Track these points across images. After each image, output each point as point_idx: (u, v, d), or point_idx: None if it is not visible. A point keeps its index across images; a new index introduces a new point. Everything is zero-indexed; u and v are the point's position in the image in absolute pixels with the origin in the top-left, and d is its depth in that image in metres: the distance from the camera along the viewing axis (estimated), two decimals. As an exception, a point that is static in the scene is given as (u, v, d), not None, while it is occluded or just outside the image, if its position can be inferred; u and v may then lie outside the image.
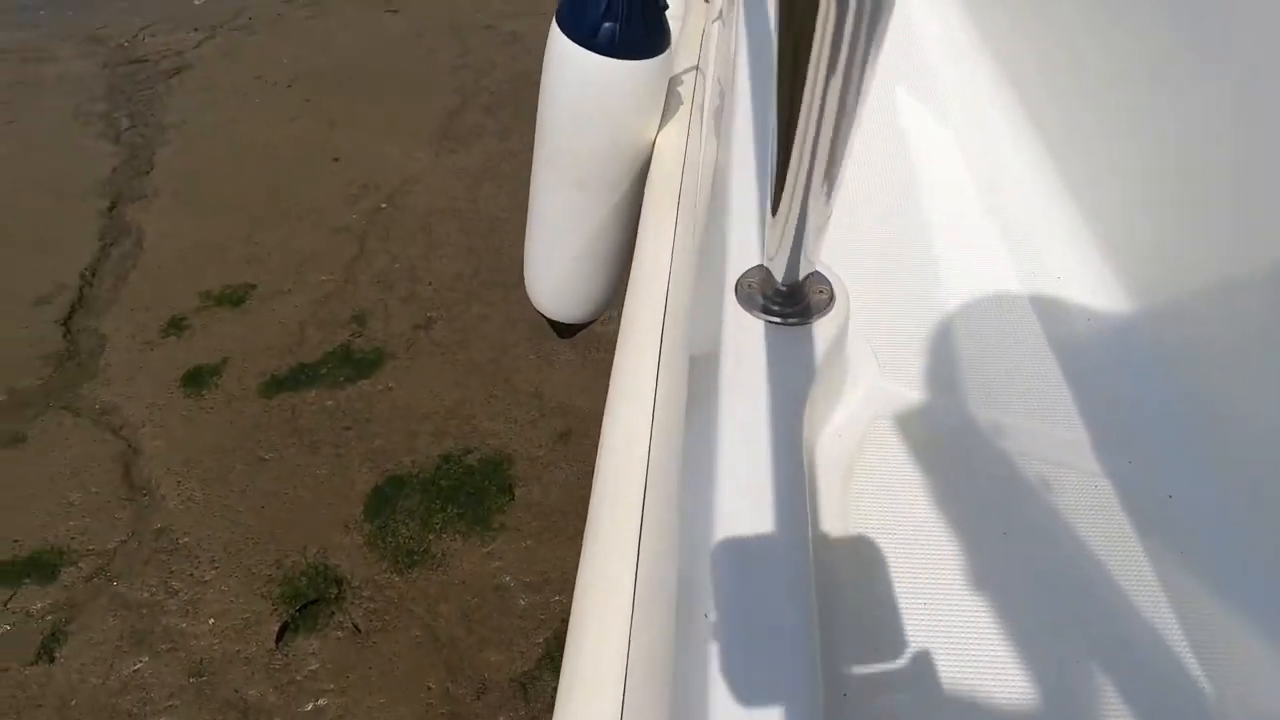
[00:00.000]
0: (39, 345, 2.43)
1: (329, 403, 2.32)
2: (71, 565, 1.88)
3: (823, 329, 0.49)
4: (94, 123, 3.43)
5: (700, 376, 0.53)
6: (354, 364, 2.44)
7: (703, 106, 0.95)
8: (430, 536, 1.95)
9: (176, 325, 2.54)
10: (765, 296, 0.51)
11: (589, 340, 2.44)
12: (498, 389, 2.38)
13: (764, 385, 0.46)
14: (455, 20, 4.25)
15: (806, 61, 0.31)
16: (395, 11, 4.34)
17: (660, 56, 0.94)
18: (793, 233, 0.42)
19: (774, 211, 0.41)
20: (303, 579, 1.86)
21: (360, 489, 2.07)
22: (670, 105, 1.02)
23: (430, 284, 2.72)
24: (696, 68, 1.11)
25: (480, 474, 2.12)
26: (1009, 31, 0.87)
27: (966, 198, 0.74)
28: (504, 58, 3.93)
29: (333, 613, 1.80)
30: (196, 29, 4.15)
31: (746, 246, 0.54)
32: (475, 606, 1.82)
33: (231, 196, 3.06)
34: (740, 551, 0.39)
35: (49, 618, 1.79)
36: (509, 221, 2.99)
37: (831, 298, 0.51)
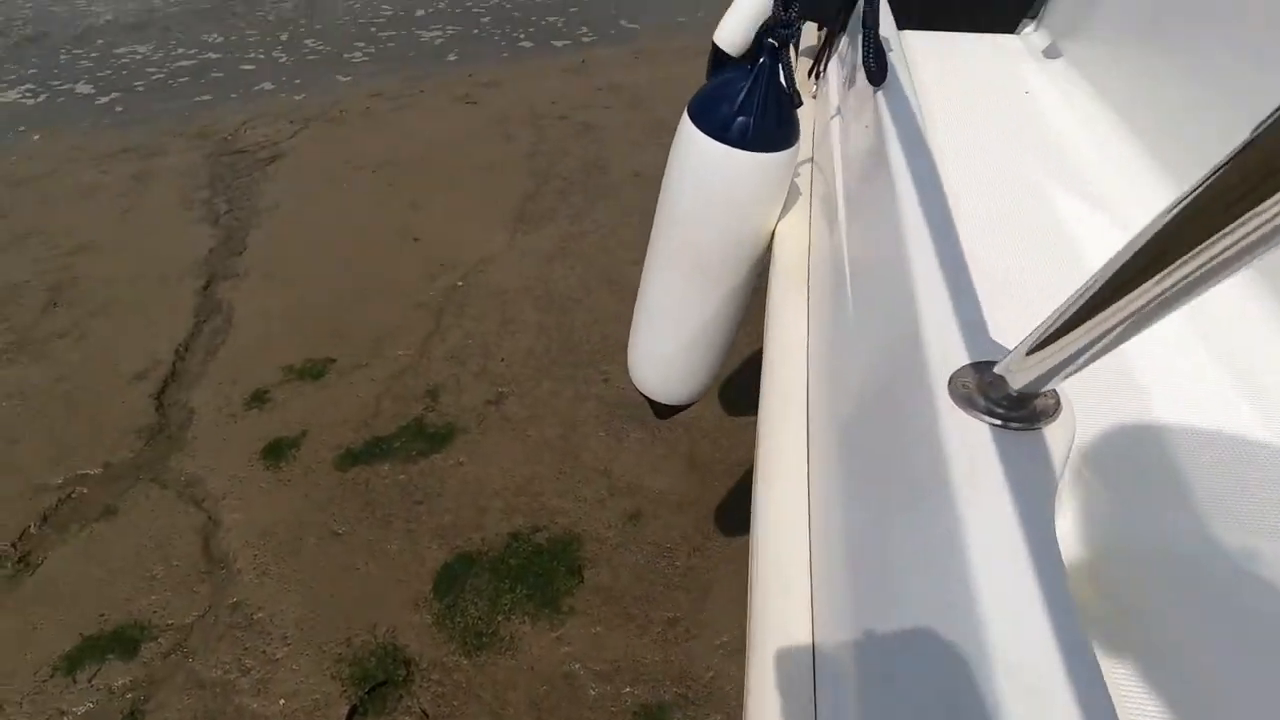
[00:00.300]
0: (134, 419, 2.54)
1: (401, 476, 2.34)
2: (151, 640, 1.91)
3: (1054, 436, 0.46)
4: (196, 208, 3.66)
5: (906, 473, 0.50)
6: (426, 438, 2.47)
7: (828, 197, 0.95)
8: (499, 618, 1.92)
9: (260, 398, 2.62)
10: (989, 399, 0.48)
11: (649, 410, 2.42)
12: (567, 465, 2.37)
13: (1006, 492, 0.43)
14: (531, 111, 4.45)
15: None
16: (474, 103, 4.57)
17: (789, 150, 0.96)
18: (1067, 351, 0.39)
19: (1060, 334, 0.39)
20: (372, 659, 1.84)
21: (430, 566, 2.06)
22: (789, 195, 1.04)
23: (502, 360, 2.76)
24: (812, 159, 1.12)
25: (549, 554, 2.08)
26: (1163, 128, 0.86)
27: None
28: (576, 146, 4.07)
29: (401, 696, 1.77)
30: (292, 121, 4.44)
31: (952, 344, 0.52)
32: (544, 695, 1.76)
33: (317, 274, 3.20)
34: (1017, 666, 0.36)
35: (129, 695, 1.80)
36: (580, 301, 3.04)
37: (1058, 403, 0.48)
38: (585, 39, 5.50)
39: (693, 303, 1.08)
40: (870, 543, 0.51)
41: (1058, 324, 0.39)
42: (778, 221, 1.03)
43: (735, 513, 2.24)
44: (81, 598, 2.00)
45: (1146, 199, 0.81)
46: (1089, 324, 0.36)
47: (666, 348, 1.16)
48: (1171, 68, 0.87)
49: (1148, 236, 0.32)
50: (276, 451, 2.43)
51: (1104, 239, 0.76)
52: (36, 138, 4.38)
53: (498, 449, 2.43)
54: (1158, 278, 0.32)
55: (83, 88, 4.95)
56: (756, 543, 0.60)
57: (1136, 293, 0.33)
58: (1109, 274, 0.34)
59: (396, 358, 2.78)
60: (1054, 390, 0.49)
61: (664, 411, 1.29)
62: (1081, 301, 0.36)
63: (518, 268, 3.21)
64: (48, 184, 3.91)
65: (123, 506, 2.25)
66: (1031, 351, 0.42)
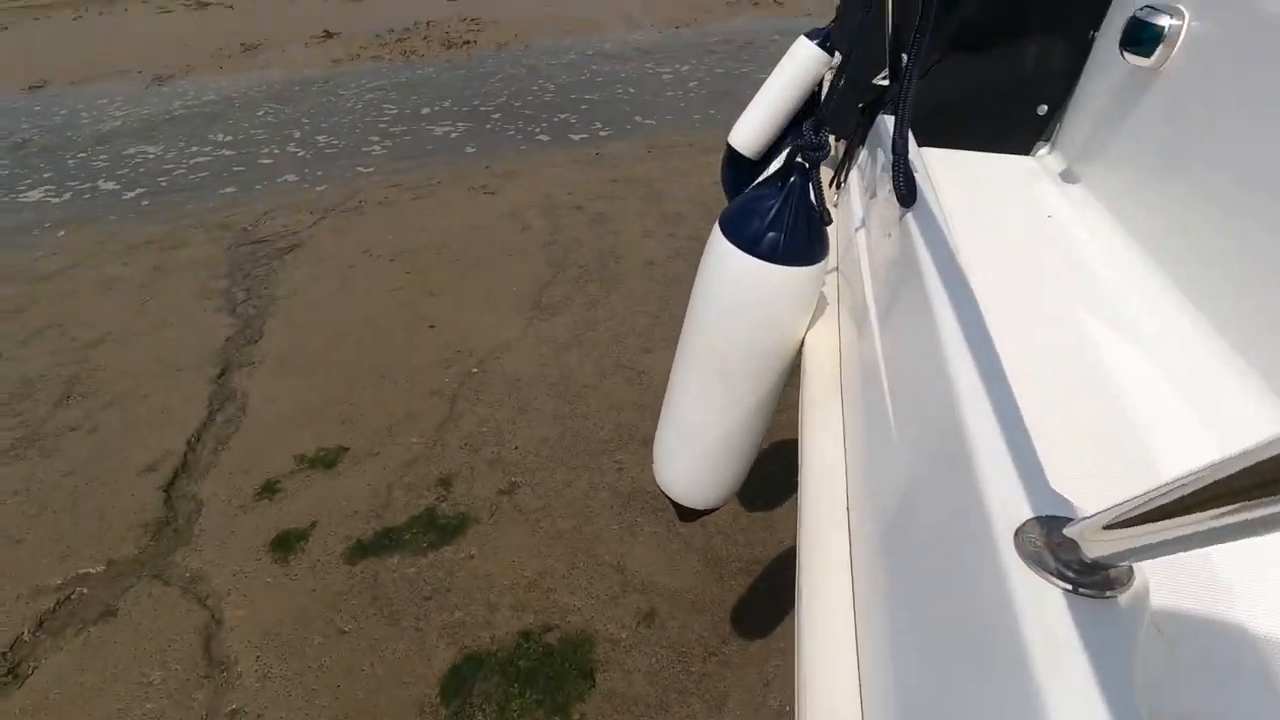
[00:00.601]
0: (141, 513, 2.50)
1: (411, 570, 2.28)
2: (142, 748, 1.82)
3: (1129, 605, 0.43)
4: (214, 298, 3.72)
5: (972, 633, 0.47)
6: (438, 529, 2.41)
7: (857, 309, 0.96)
8: (509, 726, 1.82)
9: (270, 489, 2.58)
10: (1059, 560, 0.45)
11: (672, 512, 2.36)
12: (579, 560, 2.30)
13: (1087, 666, 0.40)
14: (547, 202, 4.56)
15: None
16: (492, 194, 4.69)
17: (819, 265, 0.98)
18: (1154, 539, 0.37)
19: (1148, 519, 0.37)
20: (373, 771, 1.73)
21: (438, 667, 1.97)
22: (818, 306, 1.06)
23: (516, 448, 2.72)
24: (838, 269, 1.13)
25: (560, 655, 1.99)
26: (1186, 253, 0.87)
27: (1192, 434, 0.69)
28: (591, 236, 4.14)
29: (402, 813, 1.66)
30: (312, 211, 4.56)
31: (1014, 495, 0.50)
32: (555, 812, 1.65)
33: (332, 362, 3.21)
34: None
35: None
36: (594, 388, 3.02)
37: (1131, 570, 0.45)
38: (600, 133, 5.68)
39: (721, 409, 1.08)
40: (934, 704, 0.47)
41: (1146, 507, 0.36)
42: (806, 331, 1.04)
43: (752, 615, 2.15)
44: (71, 711, 1.91)
45: (1178, 334, 0.80)
46: (1184, 520, 0.34)
47: (694, 452, 1.16)
48: (1189, 196, 0.87)
49: (1271, 453, 0.30)
50: (285, 544, 2.37)
51: (1141, 375, 0.75)
52: (61, 234, 4.50)
53: (509, 541, 2.37)
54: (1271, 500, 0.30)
55: (105, 184, 5.12)
56: (803, 689, 0.56)
57: (1249, 506, 0.31)
58: (1217, 475, 0.32)
59: (410, 445, 2.75)
60: None
61: (688, 515, 1.27)
62: (1179, 494, 0.34)
63: (533, 355, 3.22)
64: (70, 278, 3.99)
65: (123, 607, 2.18)
66: (1111, 526, 0.39)
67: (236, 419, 2.91)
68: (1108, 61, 1.10)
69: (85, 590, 2.24)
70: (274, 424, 2.88)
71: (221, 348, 3.33)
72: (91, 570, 2.30)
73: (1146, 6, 0.95)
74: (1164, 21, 0.93)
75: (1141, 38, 0.94)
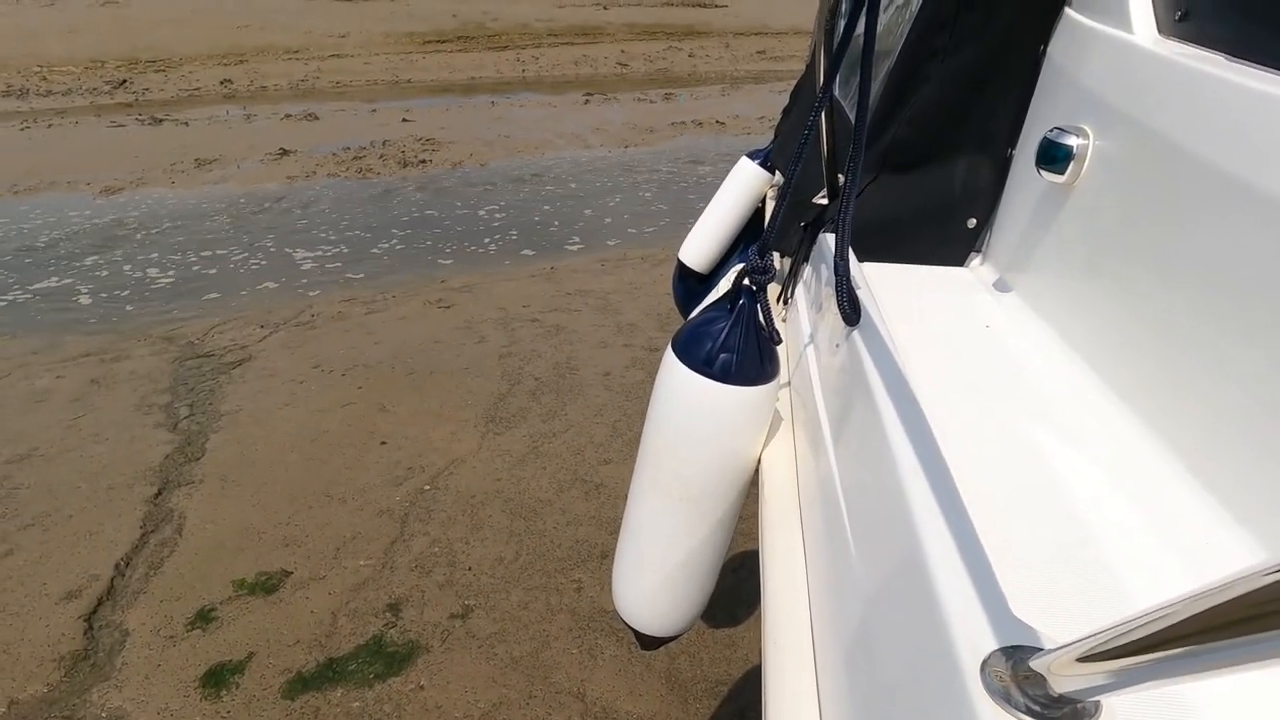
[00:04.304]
0: (55, 645, 2.30)
1: (355, 704, 2.13)
2: None
3: None
4: (154, 413, 3.58)
5: None
6: (385, 658, 2.27)
7: (810, 425, 0.97)
8: None
9: (204, 617, 2.42)
10: (1026, 695, 0.44)
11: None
12: (537, 688, 2.19)
13: None
14: (502, 314, 4.60)
15: None
16: (448, 307, 4.71)
17: (771, 384, 1.00)
18: (1130, 674, 0.36)
19: (1124, 654, 0.37)
20: None
21: (383, 817, 1.81)
22: (773, 423, 1.07)
23: (470, 569, 2.62)
24: (790, 384, 1.15)
25: (519, 796, 1.86)
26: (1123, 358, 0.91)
27: (1143, 545, 0.71)
28: (547, 347, 4.17)
29: None
30: (262, 325, 4.50)
31: (977, 626, 0.49)
32: None
33: (277, 480, 3.08)
34: None
35: None
36: (551, 503, 2.96)
37: (1097, 702, 0.44)
38: (554, 249, 5.82)
39: (681, 534, 1.07)
40: None
41: (1122, 639, 0.36)
42: (763, 450, 1.05)
43: (723, 739, 2.06)
44: None
45: (1117, 440, 0.83)
46: (1166, 654, 0.34)
47: (654, 578, 1.14)
48: (1115, 305, 0.93)
49: (1261, 583, 0.30)
50: (217, 678, 2.20)
51: (1087, 486, 0.78)
52: (-4, 342, 4.34)
53: (462, 669, 2.24)
54: (1259, 637, 0.30)
55: (45, 293, 4.99)
56: None
57: (1234, 644, 0.31)
58: (1202, 606, 0.32)
59: (357, 569, 2.62)
60: None
61: (651, 643, 1.23)
62: (1160, 626, 0.34)
63: (488, 470, 3.15)
64: None
65: (29, 753, 1.98)
66: (1085, 659, 0.39)
67: (172, 541, 2.75)
68: (1027, 178, 1.17)
69: (-14, 739, 2.03)
70: (212, 547, 2.72)
71: (159, 465, 3.18)
72: (-5, 715, 2.09)
73: (1056, 128, 1.03)
74: (1072, 141, 1.00)
75: (1054, 156, 1.02)
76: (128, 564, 2.64)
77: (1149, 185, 0.88)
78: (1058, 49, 1.16)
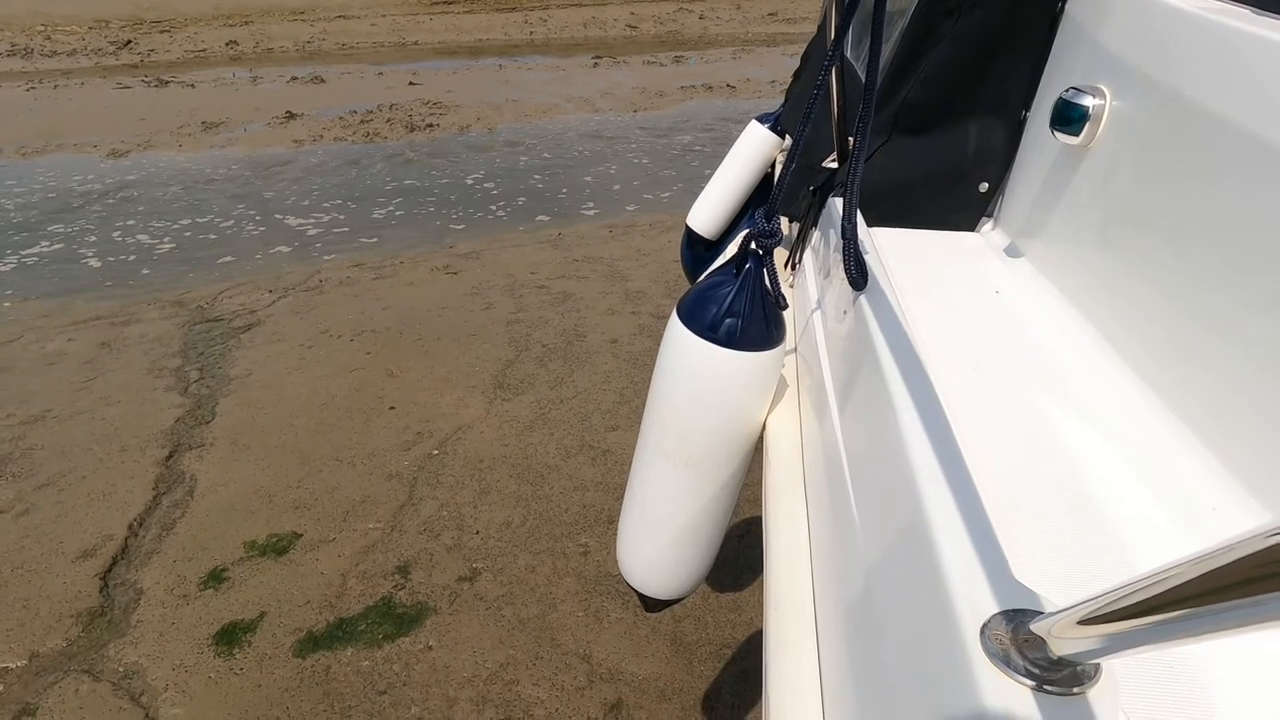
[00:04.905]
0: (73, 602, 2.35)
1: (365, 663, 2.16)
2: None
3: (1098, 701, 0.43)
4: (165, 376, 3.61)
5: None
6: (394, 619, 2.31)
7: (816, 391, 0.97)
8: (469, 834, 1.71)
9: (216, 577, 2.46)
10: (1025, 658, 0.44)
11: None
12: (544, 649, 2.22)
13: None
14: (510, 281, 4.59)
15: None
16: (455, 273, 4.71)
17: (776, 349, 0.99)
18: (1131, 636, 0.37)
19: (1126, 616, 0.37)
20: None
21: (393, 771, 1.85)
22: (778, 389, 1.06)
23: (478, 533, 2.65)
24: (796, 350, 1.14)
25: (526, 752, 1.90)
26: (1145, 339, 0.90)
27: (1147, 513, 0.70)
28: (555, 314, 4.17)
29: None
30: (271, 290, 4.50)
31: (979, 590, 0.49)
32: None
33: (287, 444, 3.11)
34: None
35: None
36: (558, 469, 2.98)
37: (1097, 665, 0.44)
38: (562, 215, 5.79)
39: (685, 498, 1.07)
40: None
41: (1123, 602, 0.36)
42: (767, 415, 1.05)
43: (723, 701, 2.09)
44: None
45: (1124, 405, 0.83)
46: (1164, 616, 0.34)
47: (658, 542, 1.14)
48: (1124, 265, 0.91)
49: (1263, 545, 0.30)
50: (229, 637, 2.24)
51: (1092, 450, 0.77)
52: (5, 305, 4.36)
53: (470, 630, 2.27)
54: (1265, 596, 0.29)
55: (54, 256, 5.01)
56: None
57: (1236, 606, 0.31)
58: (1204, 569, 0.32)
59: (366, 531, 2.65)
60: None
61: (655, 605, 1.24)
62: (1162, 588, 0.34)
63: (496, 435, 3.17)
64: (9, 352, 3.85)
65: (44, 705, 2.02)
66: (1086, 622, 0.39)
67: (184, 503, 2.79)
68: (1041, 140, 1.15)
69: (0, 687, 2.07)
70: (224, 509, 2.76)
71: (171, 428, 3.21)
72: (10, 665, 2.14)
73: (1072, 88, 1.01)
74: (1088, 102, 0.98)
75: (1070, 117, 1.00)
76: (141, 524, 2.68)
77: (1167, 146, 0.86)
78: (1076, 6, 1.13)
